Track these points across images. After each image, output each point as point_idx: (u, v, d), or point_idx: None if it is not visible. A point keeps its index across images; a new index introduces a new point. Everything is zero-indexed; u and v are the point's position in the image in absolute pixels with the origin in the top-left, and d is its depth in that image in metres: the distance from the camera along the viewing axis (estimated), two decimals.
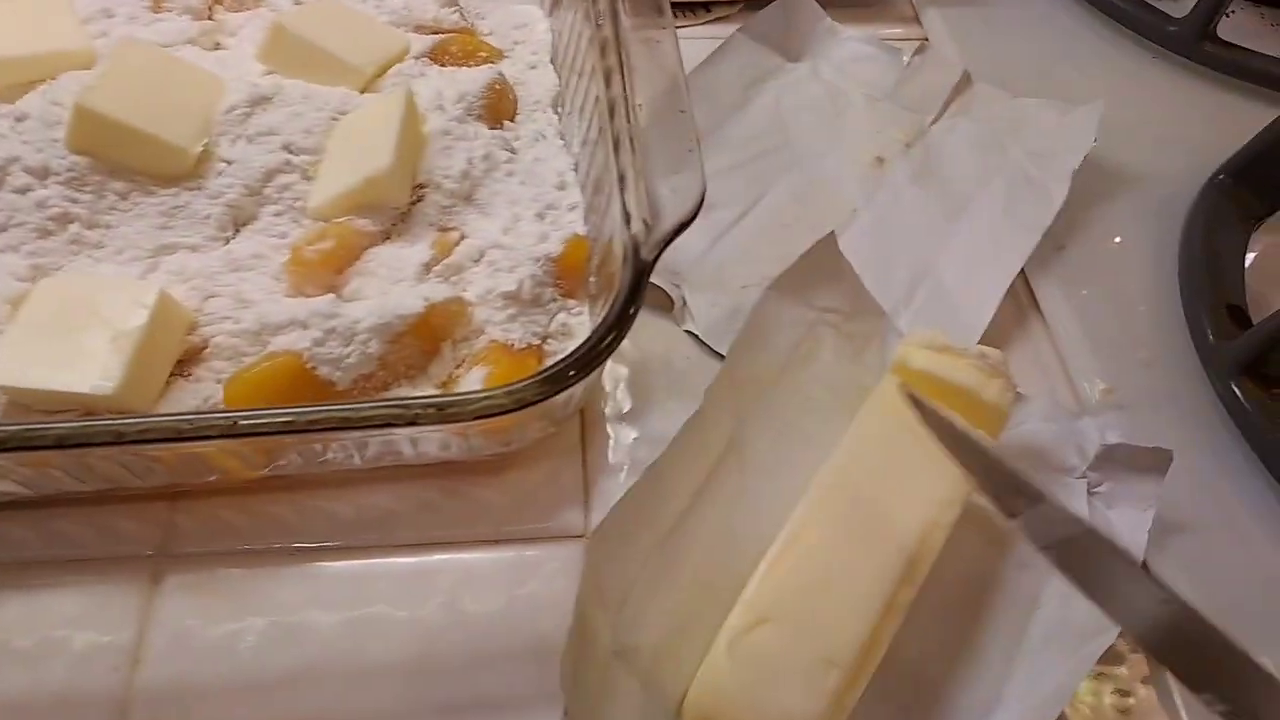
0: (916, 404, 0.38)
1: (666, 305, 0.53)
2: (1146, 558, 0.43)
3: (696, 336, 0.51)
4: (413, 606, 0.42)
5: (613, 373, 0.50)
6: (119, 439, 0.35)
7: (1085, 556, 0.32)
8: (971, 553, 0.43)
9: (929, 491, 0.39)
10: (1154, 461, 0.43)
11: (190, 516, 0.44)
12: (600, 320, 0.40)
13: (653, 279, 0.40)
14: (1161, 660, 0.30)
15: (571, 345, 0.46)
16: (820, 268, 0.47)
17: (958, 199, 0.57)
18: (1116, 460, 0.43)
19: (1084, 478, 0.44)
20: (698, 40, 0.66)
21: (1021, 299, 0.55)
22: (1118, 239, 0.56)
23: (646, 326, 0.52)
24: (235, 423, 0.35)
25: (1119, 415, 0.48)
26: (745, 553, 0.39)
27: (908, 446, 0.39)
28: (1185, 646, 0.29)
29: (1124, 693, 0.41)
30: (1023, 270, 0.54)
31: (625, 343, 0.39)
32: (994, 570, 0.43)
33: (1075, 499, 0.44)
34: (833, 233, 0.47)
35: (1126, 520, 0.43)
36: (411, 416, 0.35)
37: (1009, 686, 0.40)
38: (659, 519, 0.40)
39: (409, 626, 0.41)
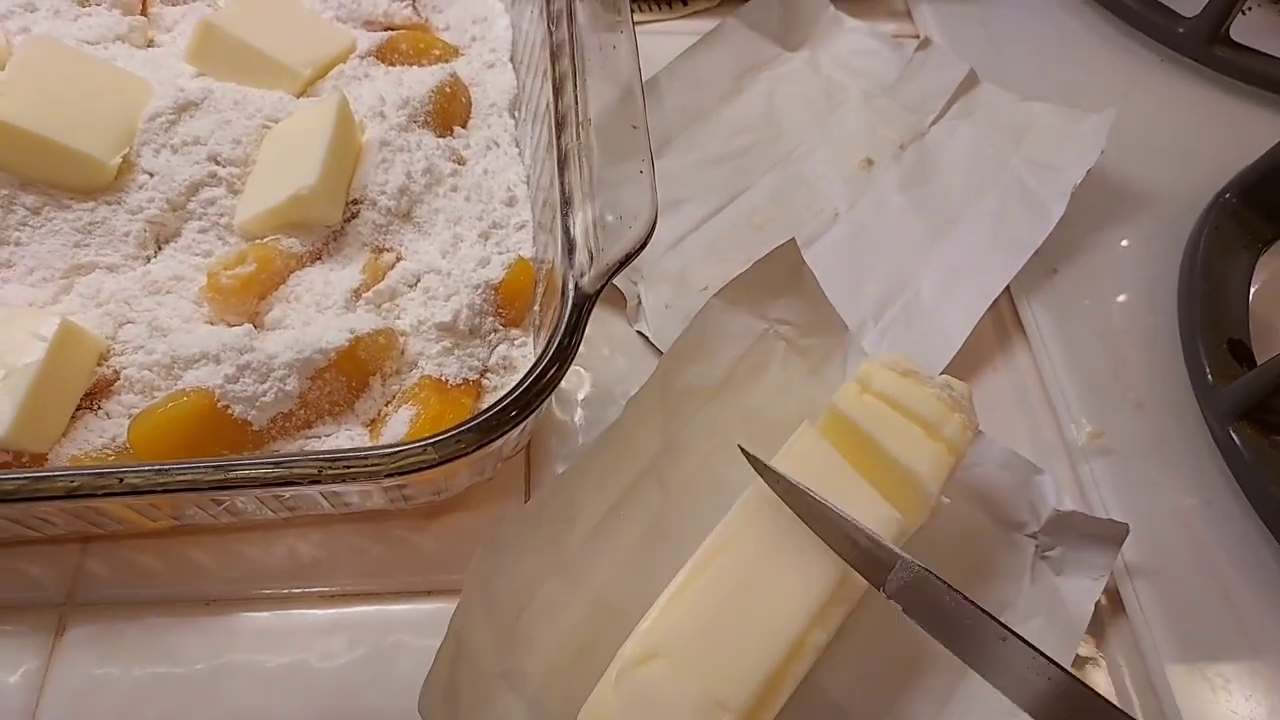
0: (760, 468, 0.36)
1: (619, 303, 0.50)
2: (1106, 613, 0.41)
3: (648, 339, 0.49)
4: (334, 663, 0.39)
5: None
6: (2, 498, 0.32)
7: (959, 624, 0.32)
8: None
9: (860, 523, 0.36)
10: (1110, 533, 0.40)
11: (102, 561, 0.41)
12: (539, 356, 0.37)
13: None
14: None
15: (513, 380, 0.43)
16: (778, 276, 0.44)
17: (946, 212, 0.53)
18: (1071, 527, 0.40)
19: (1034, 537, 0.41)
20: (674, 36, 0.62)
21: (1006, 321, 0.51)
22: (1114, 263, 0.52)
23: (599, 324, 0.48)
24: (121, 480, 0.32)
25: (1106, 462, 0.45)
26: (656, 579, 0.36)
27: (845, 471, 0.37)
28: (1067, 715, 0.30)
29: None
30: (1009, 291, 0.51)
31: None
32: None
33: (1019, 557, 0.41)
34: (794, 240, 0.44)
35: (1074, 589, 0.40)
36: (314, 475, 0.32)
37: None
38: (563, 535, 0.37)
39: (330, 684, 0.39)
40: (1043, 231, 0.50)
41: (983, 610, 0.32)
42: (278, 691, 0.38)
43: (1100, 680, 0.41)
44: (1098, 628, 0.42)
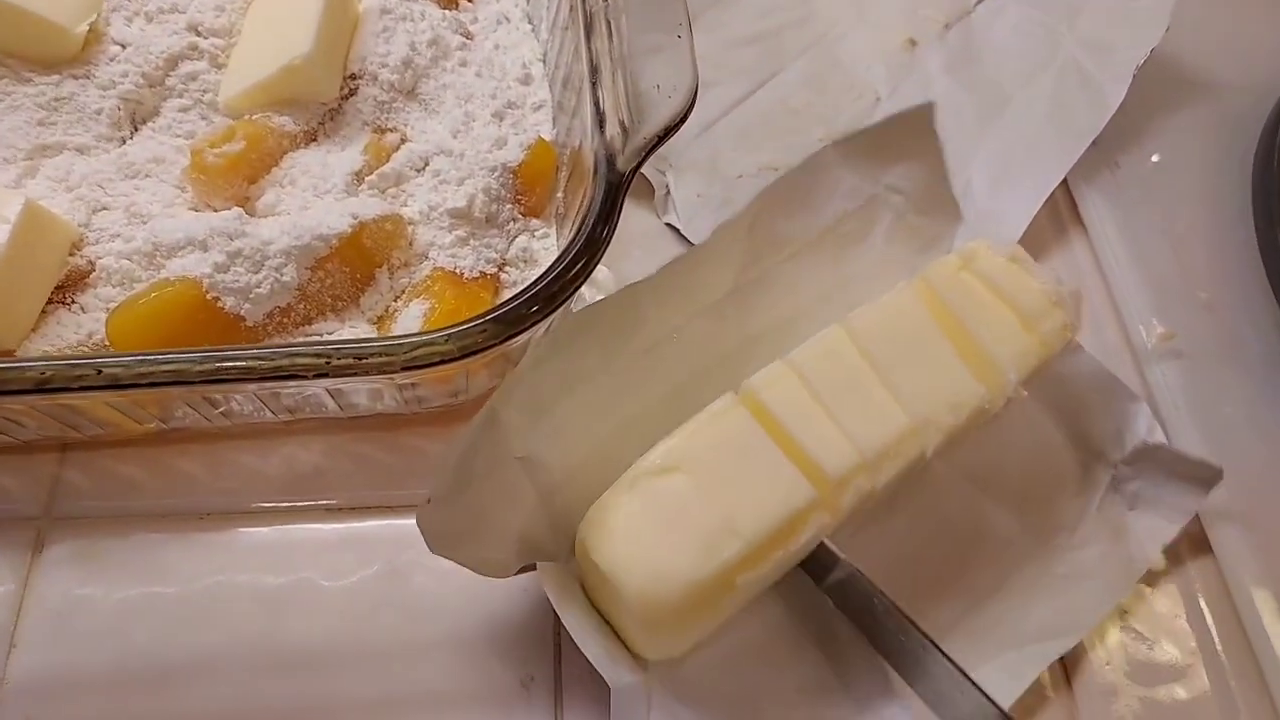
0: None
1: (647, 193, 0.46)
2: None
3: (678, 231, 0.45)
4: (343, 580, 0.36)
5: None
6: None
7: (886, 627, 0.32)
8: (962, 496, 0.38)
9: (933, 389, 0.34)
10: (1199, 474, 0.37)
11: (82, 471, 0.37)
12: (567, 244, 0.32)
13: None
14: None
15: (534, 274, 0.39)
16: (902, 140, 0.40)
17: (997, 95, 0.49)
18: (1157, 462, 0.38)
19: (1113, 467, 0.38)
20: None
21: (1064, 216, 0.47)
22: (1181, 155, 0.48)
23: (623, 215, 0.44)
24: (100, 371, 0.28)
25: (1178, 365, 0.41)
26: (695, 408, 0.33)
27: (935, 336, 0.35)
28: None
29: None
30: (1067, 183, 0.47)
31: None
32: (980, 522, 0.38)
33: (1090, 483, 0.39)
34: (932, 104, 0.39)
35: (1145, 528, 0.37)
36: (323, 368, 0.28)
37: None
38: (619, 344, 0.34)
39: (337, 604, 0.35)
40: (1102, 117, 0.46)
41: (909, 619, 0.32)
42: (281, 612, 0.35)
43: (1166, 603, 0.38)
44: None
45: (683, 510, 0.31)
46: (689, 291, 0.36)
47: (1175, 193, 0.47)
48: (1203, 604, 0.38)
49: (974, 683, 0.30)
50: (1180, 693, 0.36)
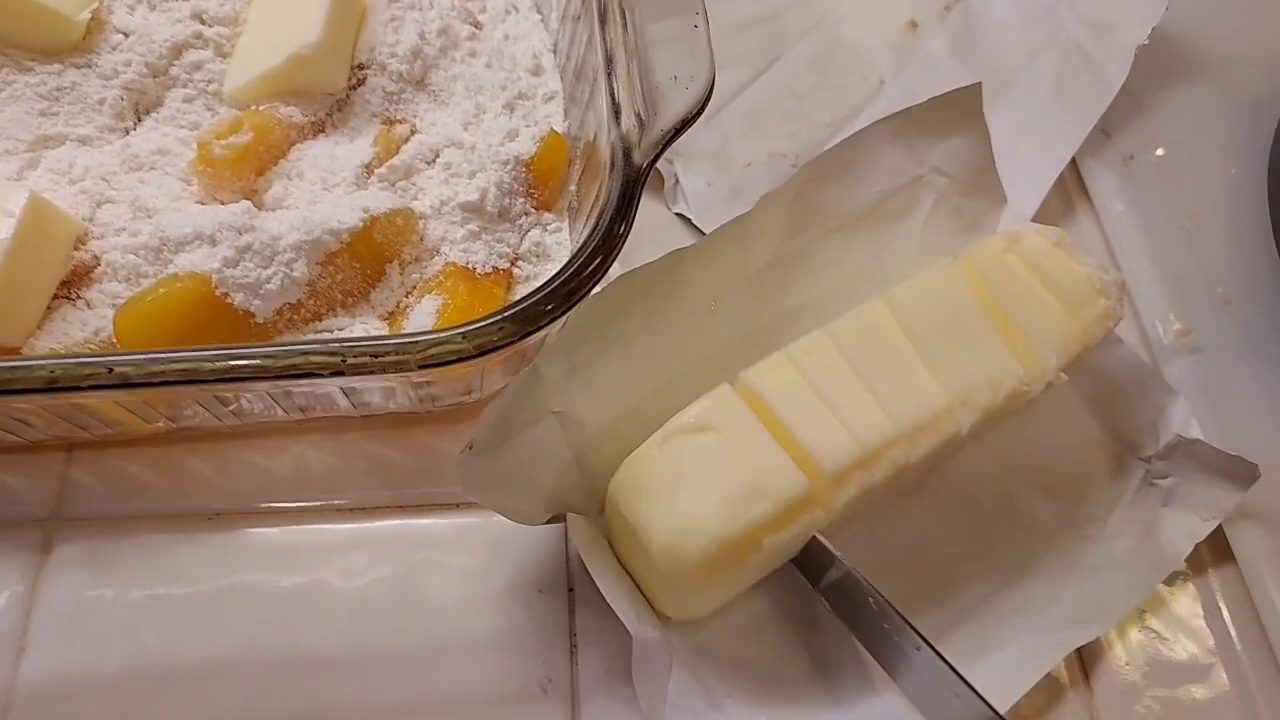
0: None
1: (654, 184, 0.45)
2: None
3: (689, 221, 0.44)
4: (355, 582, 0.35)
5: None
6: None
7: (878, 626, 0.32)
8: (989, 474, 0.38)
9: (972, 367, 0.34)
10: (1236, 470, 0.36)
11: (90, 472, 0.36)
12: (583, 240, 0.32)
13: None
14: None
15: (548, 269, 0.38)
16: (950, 120, 0.40)
17: (1001, 76, 0.49)
18: (1192, 457, 0.37)
19: (1147, 461, 0.38)
20: None
21: (1078, 210, 0.47)
22: (1196, 145, 0.48)
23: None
24: (111, 369, 0.27)
25: (1194, 361, 0.41)
26: (731, 375, 0.34)
27: (976, 316, 0.34)
28: None
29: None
30: (1079, 173, 0.47)
31: None
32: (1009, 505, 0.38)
33: (1123, 476, 0.38)
34: (979, 84, 0.39)
35: (1177, 524, 0.37)
36: (339, 366, 0.28)
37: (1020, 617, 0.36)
38: (661, 307, 0.35)
39: (350, 606, 0.35)
40: (1105, 98, 0.46)
41: (901, 616, 0.31)
42: (293, 613, 0.35)
43: (1185, 602, 0.38)
44: None
45: (714, 468, 0.31)
46: (731, 259, 0.36)
47: (1192, 186, 0.47)
48: (1221, 603, 0.37)
49: (970, 685, 0.30)
50: (1200, 692, 0.36)
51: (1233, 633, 0.37)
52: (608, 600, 0.31)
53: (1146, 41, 0.46)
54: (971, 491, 0.38)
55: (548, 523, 0.33)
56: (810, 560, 0.33)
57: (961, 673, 0.30)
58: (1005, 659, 0.33)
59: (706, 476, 0.31)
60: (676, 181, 0.45)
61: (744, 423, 0.32)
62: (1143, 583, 0.36)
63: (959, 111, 0.39)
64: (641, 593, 0.33)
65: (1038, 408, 0.37)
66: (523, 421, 0.32)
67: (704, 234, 0.44)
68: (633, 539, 0.31)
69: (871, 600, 0.32)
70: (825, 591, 0.34)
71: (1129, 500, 0.38)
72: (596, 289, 0.32)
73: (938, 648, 0.31)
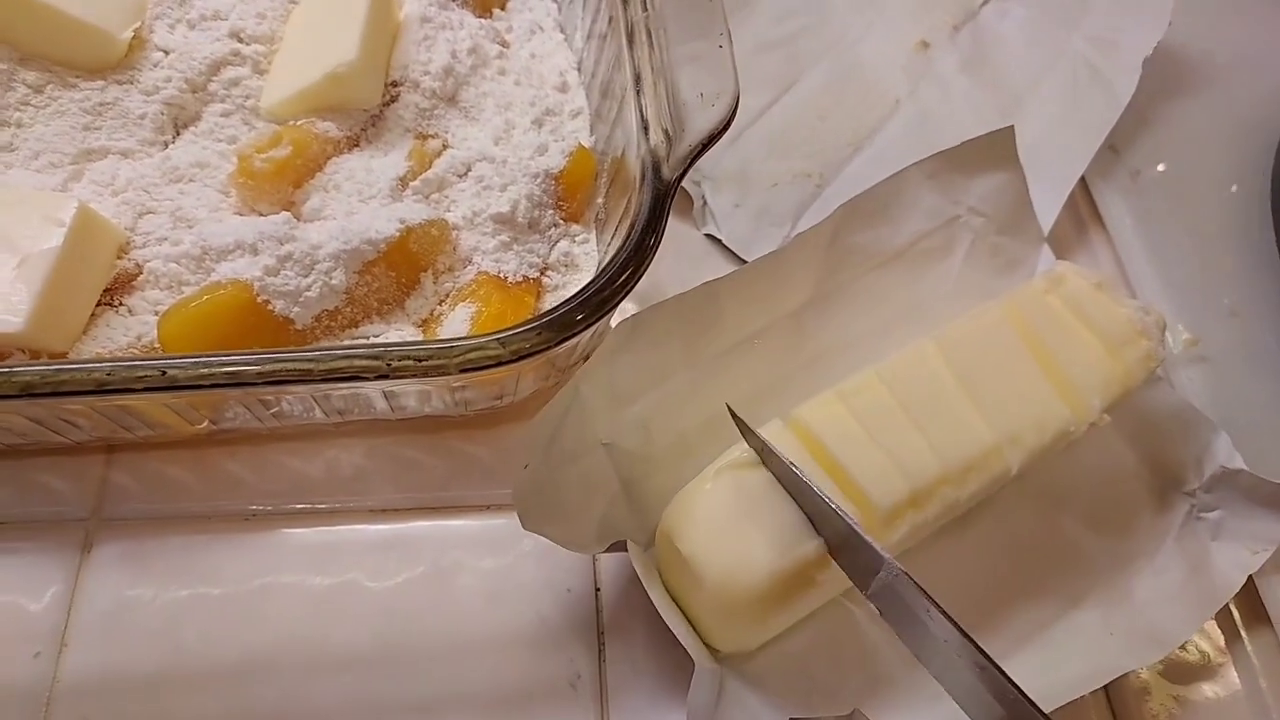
0: (744, 431, 0.33)
1: (684, 205, 0.46)
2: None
3: (719, 241, 0.45)
4: (388, 582, 0.36)
5: None
6: (25, 391, 0.28)
7: (933, 645, 0.29)
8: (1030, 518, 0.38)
9: (1019, 407, 0.34)
10: None
11: (129, 473, 0.37)
12: (615, 252, 0.33)
13: None
14: None
15: (575, 279, 0.40)
16: (984, 161, 0.41)
17: (1012, 92, 0.50)
18: (1237, 487, 0.37)
19: (1192, 495, 0.38)
20: None
21: (1086, 221, 0.48)
22: (1201, 159, 0.49)
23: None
24: (164, 372, 0.28)
25: (1202, 369, 0.42)
26: (775, 412, 0.34)
27: (1020, 358, 0.35)
28: None
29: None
30: (1088, 188, 0.48)
31: None
32: (1055, 537, 0.38)
33: (1168, 512, 0.38)
34: (1011, 128, 0.40)
35: (1227, 558, 0.37)
36: (383, 369, 0.29)
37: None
38: (701, 340, 0.35)
39: (383, 605, 0.36)
40: (1115, 111, 0.47)
41: (958, 628, 0.28)
42: (327, 613, 0.36)
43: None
44: None
45: (768, 503, 0.31)
46: (769, 296, 0.37)
47: (1198, 198, 0.48)
48: (1232, 604, 0.38)
49: (1020, 690, 0.28)
50: (1211, 691, 0.37)
51: (1243, 633, 0.38)
52: (671, 628, 0.31)
53: (1150, 55, 0.48)
54: (1013, 525, 0.38)
55: (606, 551, 0.34)
56: (860, 568, 0.32)
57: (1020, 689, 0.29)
58: (1061, 680, 0.33)
59: (760, 511, 0.31)
60: (705, 203, 0.46)
61: (797, 458, 0.32)
62: (1196, 615, 0.36)
63: (993, 153, 0.40)
64: (690, 624, 0.33)
65: (1077, 442, 0.37)
66: (573, 453, 0.32)
67: (732, 252, 0.45)
68: (685, 571, 0.32)
69: (925, 606, 0.30)
70: (875, 598, 0.32)
71: (1175, 535, 0.38)
72: (630, 309, 0.33)
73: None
